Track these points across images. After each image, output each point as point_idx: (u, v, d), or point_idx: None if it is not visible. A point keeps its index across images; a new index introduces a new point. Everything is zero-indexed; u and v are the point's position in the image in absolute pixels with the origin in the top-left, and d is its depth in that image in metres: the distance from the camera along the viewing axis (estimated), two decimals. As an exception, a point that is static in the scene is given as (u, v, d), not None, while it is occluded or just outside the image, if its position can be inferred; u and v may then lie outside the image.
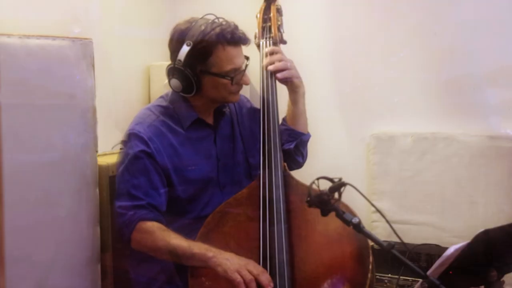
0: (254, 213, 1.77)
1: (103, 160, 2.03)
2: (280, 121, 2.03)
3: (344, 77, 2.75)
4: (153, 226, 1.76)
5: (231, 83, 1.84)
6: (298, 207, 1.62)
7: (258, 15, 2.12)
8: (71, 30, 2.07)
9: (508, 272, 1.50)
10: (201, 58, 1.81)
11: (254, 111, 2.06)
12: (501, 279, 1.46)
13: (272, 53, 1.97)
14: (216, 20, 1.86)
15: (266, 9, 2.12)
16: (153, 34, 2.92)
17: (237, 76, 1.85)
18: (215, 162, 1.95)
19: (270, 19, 2.08)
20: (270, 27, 2.07)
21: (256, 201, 1.79)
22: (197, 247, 1.68)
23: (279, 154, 1.86)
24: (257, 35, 2.08)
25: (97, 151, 1.95)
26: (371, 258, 1.58)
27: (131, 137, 1.86)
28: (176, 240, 1.72)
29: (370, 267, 1.57)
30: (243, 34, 1.88)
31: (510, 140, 2.42)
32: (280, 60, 1.94)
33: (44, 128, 1.77)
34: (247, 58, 1.92)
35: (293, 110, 2.01)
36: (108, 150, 2.31)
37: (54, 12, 2.30)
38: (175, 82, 1.86)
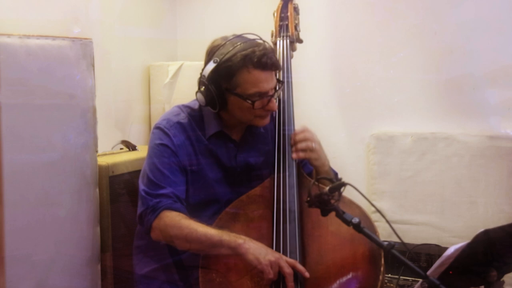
0: (266, 211, 1.78)
1: (103, 160, 2.02)
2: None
3: (344, 77, 2.75)
4: (178, 215, 1.75)
5: (252, 107, 1.80)
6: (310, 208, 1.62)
7: (275, 14, 2.11)
8: (71, 30, 2.07)
9: (508, 272, 1.50)
10: (225, 77, 1.79)
11: None
12: (501, 279, 1.46)
13: (299, 133, 1.90)
14: (256, 41, 1.82)
15: (283, 8, 2.11)
16: (153, 34, 2.92)
17: (262, 101, 1.80)
18: (231, 177, 1.94)
19: (287, 17, 2.08)
20: (287, 26, 2.07)
21: (268, 200, 1.79)
22: (226, 234, 1.67)
23: None
24: (273, 34, 2.07)
25: (97, 151, 1.95)
26: (382, 260, 1.57)
27: (157, 130, 1.88)
28: (203, 228, 1.70)
29: (382, 269, 1.56)
30: (274, 59, 1.81)
31: (510, 140, 2.42)
32: (305, 140, 1.88)
33: (44, 128, 1.77)
34: (281, 82, 1.88)
35: (315, 172, 1.95)
36: (108, 150, 2.31)
37: (54, 12, 2.30)
38: (199, 95, 1.84)
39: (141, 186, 1.82)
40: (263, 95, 1.80)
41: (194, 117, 1.92)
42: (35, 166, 1.75)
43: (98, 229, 1.97)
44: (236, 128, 1.95)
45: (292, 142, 1.88)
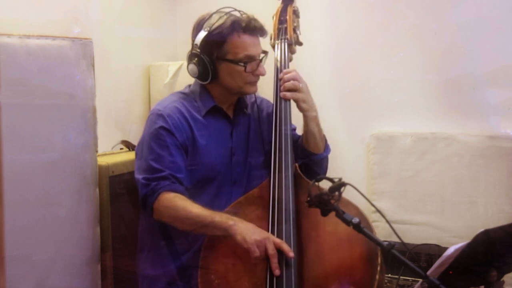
0: (264, 212, 1.79)
1: (103, 160, 2.03)
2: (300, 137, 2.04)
3: (344, 77, 2.75)
4: (175, 196, 1.80)
5: (244, 70, 1.88)
6: (308, 208, 1.63)
7: (274, 17, 2.12)
8: (71, 30, 2.08)
9: (508, 272, 1.50)
10: (217, 44, 1.87)
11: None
12: (501, 279, 1.46)
13: (287, 72, 1.95)
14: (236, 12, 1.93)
15: (283, 11, 2.12)
16: (153, 34, 2.92)
17: (252, 65, 1.89)
18: (229, 155, 1.98)
19: (286, 20, 2.09)
20: (286, 29, 2.07)
21: (266, 201, 1.81)
22: (218, 216, 1.72)
23: (290, 155, 1.86)
24: (272, 37, 2.08)
25: (97, 151, 1.95)
26: (379, 259, 1.57)
27: (151, 115, 1.92)
28: (197, 209, 1.75)
29: (379, 268, 1.56)
30: (260, 25, 1.93)
31: (510, 140, 2.42)
32: (293, 79, 1.93)
33: (44, 128, 1.77)
34: (265, 52, 1.96)
35: (305, 130, 2.00)
36: (108, 150, 2.31)
37: (54, 12, 2.30)
38: (192, 67, 1.92)
39: (138, 175, 1.86)
40: (252, 58, 1.90)
41: (187, 100, 1.97)
42: (35, 166, 1.75)
43: (98, 229, 1.97)
44: (227, 103, 2.00)
45: (281, 82, 1.94)
